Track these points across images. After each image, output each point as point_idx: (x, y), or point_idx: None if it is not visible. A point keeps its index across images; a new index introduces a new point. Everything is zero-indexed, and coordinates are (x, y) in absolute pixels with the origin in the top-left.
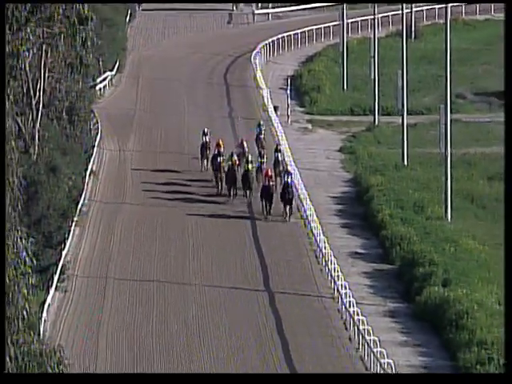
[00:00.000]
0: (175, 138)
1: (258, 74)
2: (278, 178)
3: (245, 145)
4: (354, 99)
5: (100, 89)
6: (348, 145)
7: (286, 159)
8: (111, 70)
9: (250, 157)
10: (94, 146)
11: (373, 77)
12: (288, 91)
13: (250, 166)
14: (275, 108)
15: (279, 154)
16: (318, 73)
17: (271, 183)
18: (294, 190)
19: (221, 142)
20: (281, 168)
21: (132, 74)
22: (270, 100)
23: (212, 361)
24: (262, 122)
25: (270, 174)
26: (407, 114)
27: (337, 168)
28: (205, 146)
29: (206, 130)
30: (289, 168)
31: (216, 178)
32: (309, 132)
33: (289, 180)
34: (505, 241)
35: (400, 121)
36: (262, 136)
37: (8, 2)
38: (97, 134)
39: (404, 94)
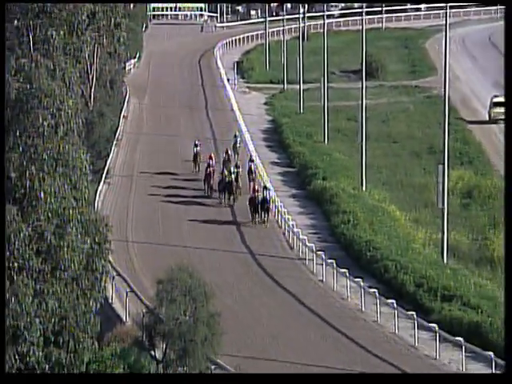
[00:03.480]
0: (172, 94)
1: (218, 60)
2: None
3: (229, 152)
4: (273, 75)
5: (128, 69)
6: (269, 100)
7: (258, 169)
8: (134, 58)
9: (232, 168)
10: (125, 101)
11: (283, 62)
12: (235, 70)
13: (232, 176)
14: (228, 80)
15: (252, 164)
16: (252, 60)
17: (257, 195)
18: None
19: (212, 155)
20: (253, 175)
21: (146, 61)
22: (225, 75)
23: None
24: (237, 134)
25: (256, 188)
26: (302, 83)
27: (263, 114)
28: (196, 155)
29: (197, 142)
30: (267, 185)
31: (205, 184)
32: (247, 93)
33: (267, 196)
34: (505, 239)
35: (298, 87)
36: (238, 145)
37: (8, 2)
38: (126, 94)
39: (300, 71)
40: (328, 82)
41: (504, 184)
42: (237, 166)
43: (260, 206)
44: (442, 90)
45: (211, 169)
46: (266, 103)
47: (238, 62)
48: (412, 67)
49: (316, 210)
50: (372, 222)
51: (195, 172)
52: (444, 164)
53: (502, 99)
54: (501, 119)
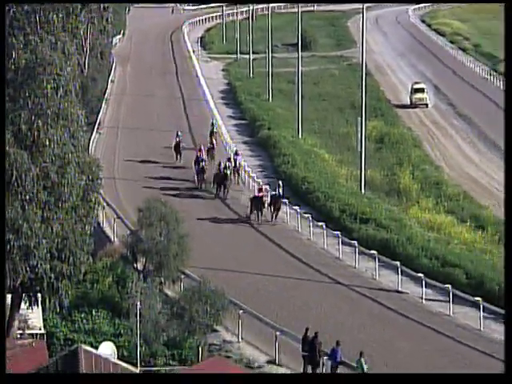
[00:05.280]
0: (149, 63)
1: (185, 36)
2: (237, 176)
3: (214, 143)
4: (229, 47)
5: (115, 43)
6: (226, 68)
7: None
8: (119, 35)
9: (222, 163)
10: (112, 69)
11: (236, 37)
12: (198, 43)
13: (228, 171)
14: (193, 51)
15: (238, 157)
16: (212, 35)
17: (261, 194)
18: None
19: (202, 148)
20: (240, 172)
21: (128, 37)
22: (191, 47)
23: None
24: (214, 121)
25: (263, 188)
26: (252, 53)
27: (221, 78)
28: (178, 145)
29: (178, 132)
30: (279, 182)
31: (197, 177)
32: (208, 62)
33: (280, 191)
34: (505, 239)
35: (248, 57)
36: (215, 132)
37: (8, 2)
38: (113, 63)
39: (250, 45)
40: (272, 52)
41: (504, 183)
42: (229, 160)
43: (272, 203)
44: (360, 58)
45: (204, 164)
46: (223, 70)
47: (201, 37)
48: (337, 41)
49: (263, 153)
50: (306, 162)
51: (176, 160)
52: (362, 117)
53: (421, 86)
54: (420, 104)
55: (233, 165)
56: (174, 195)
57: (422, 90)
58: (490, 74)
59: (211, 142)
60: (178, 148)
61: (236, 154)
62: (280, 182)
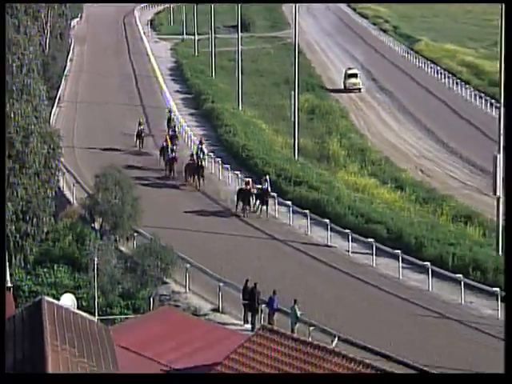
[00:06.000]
0: (104, 43)
1: (137, 19)
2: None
3: (176, 130)
4: (176, 29)
5: (73, 26)
6: (173, 47)
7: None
8: (77, 18)
9: (193, 153)
10: (70, 48)
11: (183, 19)
12: (148, 25)
13: (203, 160)
14: (144, 33)
15: (202, 147)
16: (161, 18)
17: (248, 187)
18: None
19: (167, 138)
20: (203, 163)
21: (85, 20)
22: (142, 29)
23: None
24: (171, 109)
25: (250, 182)
26: (197, 34)
27: (169, 56)
28: (140, 133)
29: (140, 120)
30: (266, 177)
31: (167, 167)
32: (157, 42)
33: (268, 186)
34: (505, 243)
35: (193, 37)
36: (172, 120)
37: (8, 2)
38: (71, 43)
39: (195, 27)
40: (214, 33)
41: (505, 183)
42: (200, 150)
43: (260, 197)
44: (293, 39)
45: (175, 154)
46: (171, 49)
47: (151, 20)
48: (273, 23)
49: (207, 124)
50: (246, 132)
51: (138, 148)
52: (295, 91)
53: (354, 71)
54: (354, 89)
55: (202, 154)
56: (129, 167)
57: (355, 76)
58: (408, 53)
59: (173, 130)
60: (140, 136)
61: (200, 142)
62: (267, 177)
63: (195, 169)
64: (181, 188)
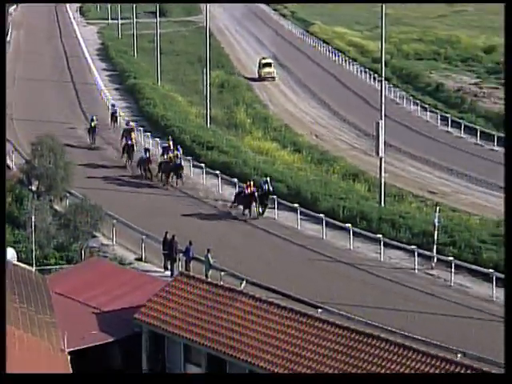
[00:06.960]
0: (38, 28)
1: (67, 6)
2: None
3: (130, 123)
4: (102, 14)
5: (10, 12)
6: (100, 31)
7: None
8: (14, 5)
9: (169, 151)
10: (9, 33)
11: (109, 6)
12: (78, 12)
13: (179, 159)
14: (74, 18)
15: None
16: (88, 5)
17: (251, 191)
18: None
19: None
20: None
21: (21, 6)
22: (72, 15)
23: None
24: (114, 103)
25: (251, 185)
26: (120, 19)
27: (96, 39)
28: (93, 129)
29: (94, 117)
30: (267, 178)
31: (140, 167)
32: (86, 26)
33: (270, 187)
34: (505, 238)
35: (117, 22)
36: (117, 114)
37: (8, 2)
38: (9, 28)
39: (119, 12)
40: (136, 18)
41: (504, 183)
42: (177, 149)
43: (259, 199)
44: (205, 23)
45: (149, 154)
46: (98, 32)
47: (80, 7)
48: (188, 10)
49: (130, 97)
50: (164, 104)
51: (91, 143)
52: (206, 68)
53: (268, 61)
54: (268, 77)
55: (180, 152)
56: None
57: (269, 65)
58: (304, 35)
59: (127, 124)
60: (92, 131)
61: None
62: (267, 179)
63: (173, 168)
64: (99, 149)
